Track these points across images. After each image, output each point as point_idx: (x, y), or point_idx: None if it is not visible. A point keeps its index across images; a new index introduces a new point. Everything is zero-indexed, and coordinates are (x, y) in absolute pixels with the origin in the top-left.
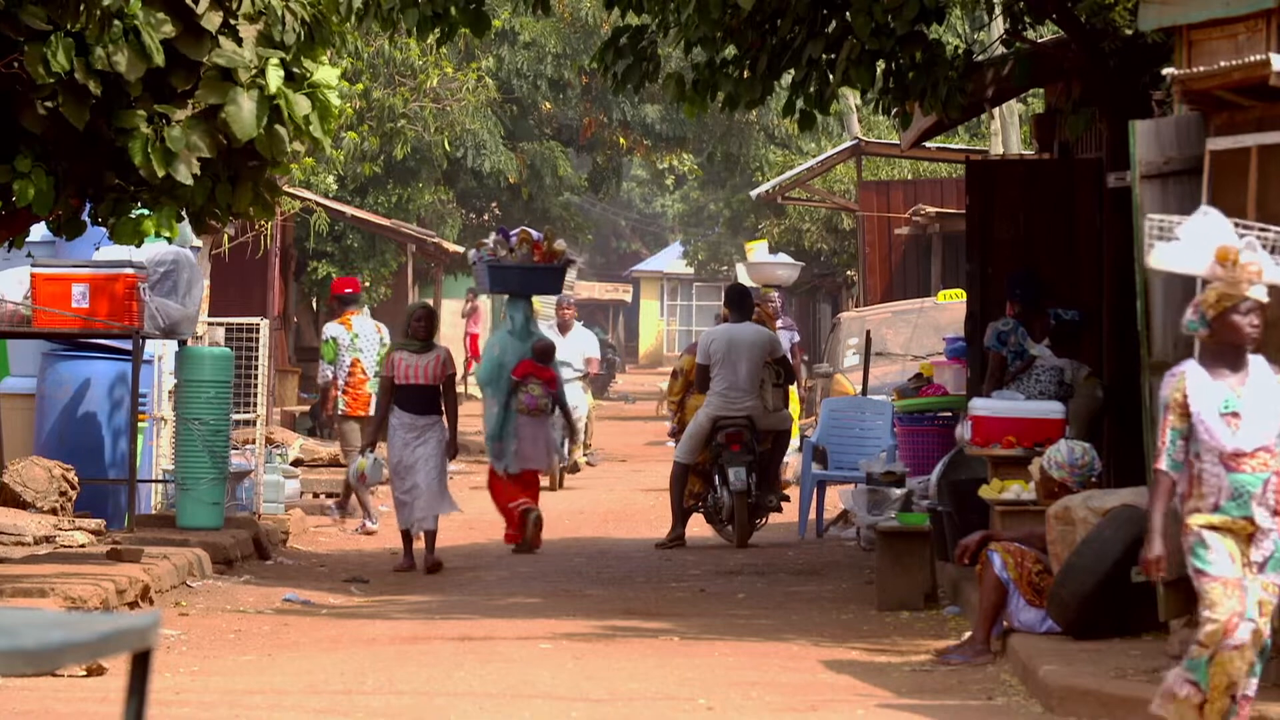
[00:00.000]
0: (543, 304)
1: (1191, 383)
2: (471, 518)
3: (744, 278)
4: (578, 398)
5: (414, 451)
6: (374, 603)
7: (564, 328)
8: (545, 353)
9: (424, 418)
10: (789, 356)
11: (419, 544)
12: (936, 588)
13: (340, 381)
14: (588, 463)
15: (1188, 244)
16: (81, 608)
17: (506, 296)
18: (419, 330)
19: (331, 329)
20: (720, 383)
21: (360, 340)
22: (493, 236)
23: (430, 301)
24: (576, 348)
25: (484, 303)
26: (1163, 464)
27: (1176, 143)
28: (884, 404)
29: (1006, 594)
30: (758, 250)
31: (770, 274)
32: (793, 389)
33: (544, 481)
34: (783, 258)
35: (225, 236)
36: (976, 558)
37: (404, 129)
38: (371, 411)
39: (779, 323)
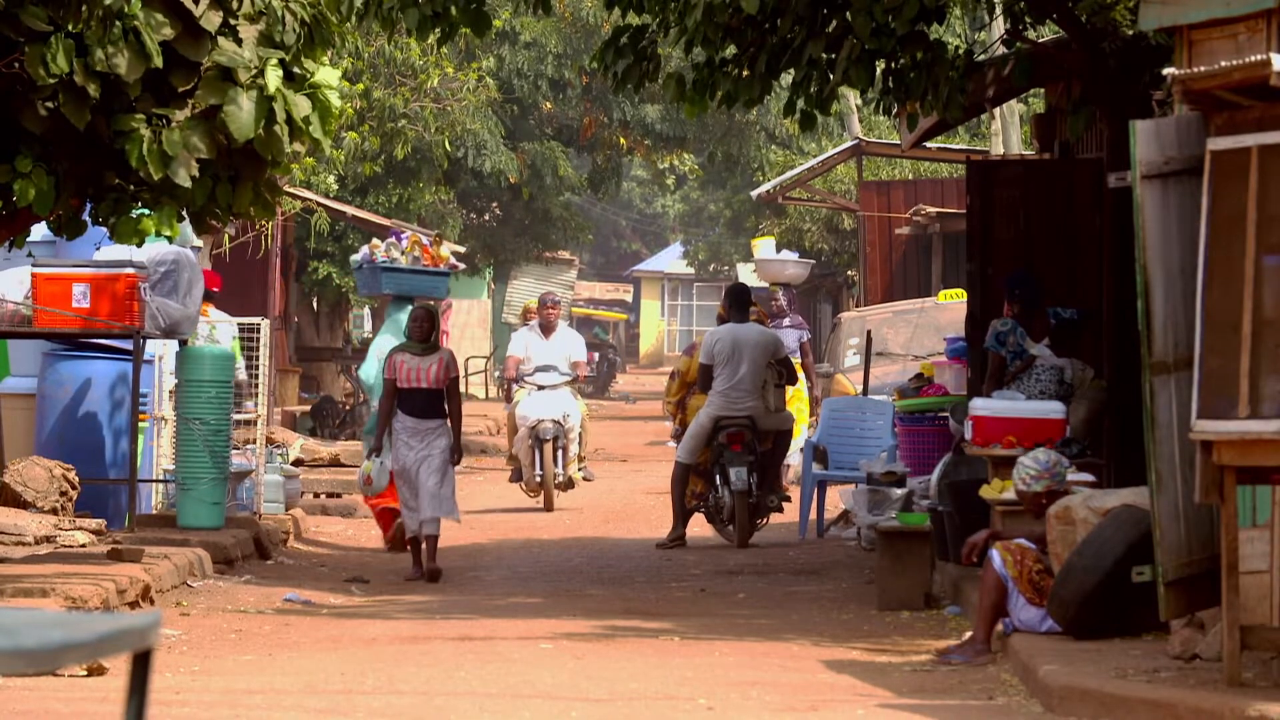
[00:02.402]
0: (536, 303)
1: None
2: (471, 518)
3: (749, 276)
4: (568, 405)
5: (418, 456)
6: (374, 603)
7: (547, 329)
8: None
9: (427, 421)
10: (799, 355)
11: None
12: (936, 588)
13: None
14: (584, 478)
15: None
16: (82, 608)
17: (392, 298)
18: (417, 332)
19: None
20: (722, 382)
21: (217, 332)
22: (386, 240)
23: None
24: (560, 351)
25: (457, 301)
26: None
27: (1177, 143)
28: (884, 404)
29: (1007, 593)
30: (764, 247)
31: (779, 271)
32: (800, 388)
33: (535, 501)
34: (791, 255)
35: (226, 236)
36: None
37: (404, 129)
38: None
39: (787, 321)
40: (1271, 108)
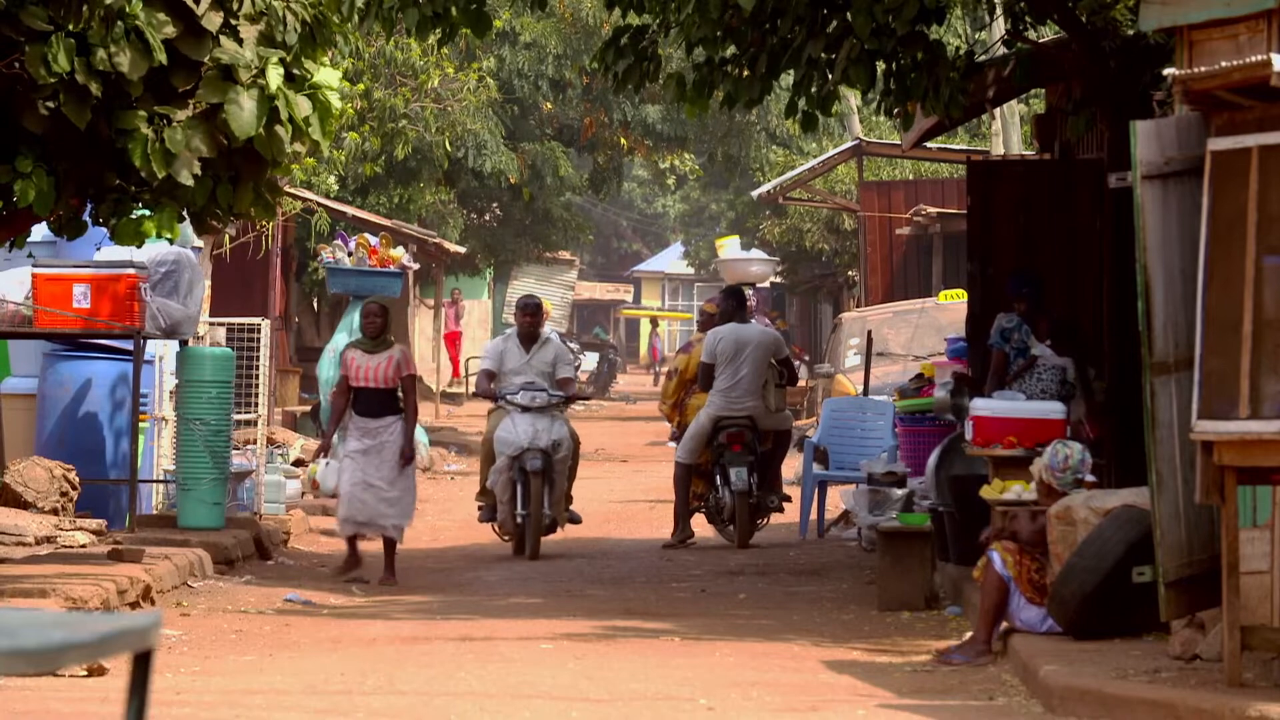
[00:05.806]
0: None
1: None
2: (468, 518)
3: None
4: (559, 432)
5: (367, 456)
6: (374, 603)
7: (527, 340)
8: None
9: (377, 420)
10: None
11: (373, 546)
12: (937, 588)
13: None
14: (569, 520)
15: None
16: (82, 608)
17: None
18: (369, 328)
19: None
20: (723, 382)
21: None
22: (335, 242)
23: (432, 301)
24: (543, 368)
25: (466, 302)
26: None
27: (1177, 143)
28: (885, 404)
29: (1008, 593)
30: (729, 247)
31: (743, 271)
32: None
33: (508, 545)
34: (756, 254)
35: (226, 237)
36: None
37: (405, 129)
38: None
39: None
40: (1271, 108)
